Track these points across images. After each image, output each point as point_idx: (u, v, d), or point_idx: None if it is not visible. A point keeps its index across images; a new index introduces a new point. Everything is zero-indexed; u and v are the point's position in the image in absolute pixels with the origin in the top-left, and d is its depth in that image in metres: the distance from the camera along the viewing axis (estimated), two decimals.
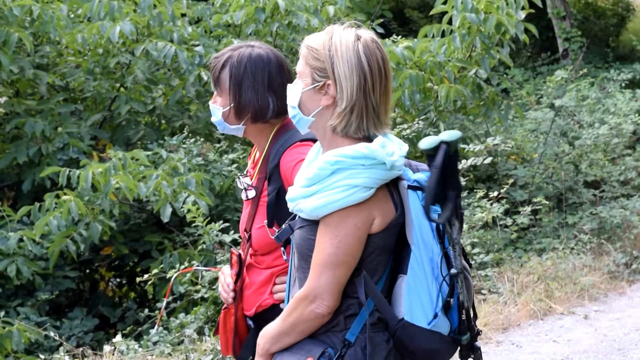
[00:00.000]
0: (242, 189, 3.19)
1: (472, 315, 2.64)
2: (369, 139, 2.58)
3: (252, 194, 3.14)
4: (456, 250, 2.58)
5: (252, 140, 3.24)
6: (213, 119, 3.24)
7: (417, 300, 2.52)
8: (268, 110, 3.11)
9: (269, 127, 3.15)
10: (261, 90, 3.12)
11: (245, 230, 3.18)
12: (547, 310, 7.11)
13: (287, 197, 2.63)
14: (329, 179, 2.49)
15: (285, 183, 3.01)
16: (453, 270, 2.56)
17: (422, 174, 2.61)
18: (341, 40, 2.53)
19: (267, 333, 2.67)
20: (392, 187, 2.56)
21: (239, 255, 3.19)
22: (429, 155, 2.57)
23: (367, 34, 2.57)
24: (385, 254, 2.57)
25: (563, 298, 7.30)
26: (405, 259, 2.55)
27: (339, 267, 2.50)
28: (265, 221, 3.04)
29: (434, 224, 2.55)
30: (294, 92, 2.63)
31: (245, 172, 3.29)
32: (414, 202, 2.55)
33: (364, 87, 2.52)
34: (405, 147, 2.60)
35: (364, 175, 2.47)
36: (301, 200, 2.54)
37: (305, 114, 2.61)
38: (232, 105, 3.15)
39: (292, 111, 2.65)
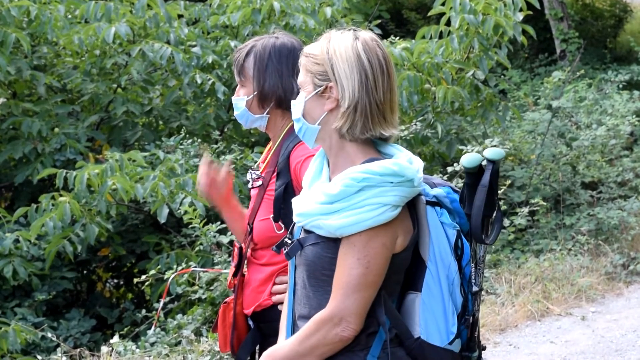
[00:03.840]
0: (249, 180, 3.18)
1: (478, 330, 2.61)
2: (377, 139, 2.52)
3: (258, 183, 3.13)
4: (480, 268, 2.54)
5: (271, 133, 3.21)
6: (236, 113, 3.20)
7: (432, 318, 2.46)
8: (292, 94, 3.05)
9: (290, 118, 3.10)
10: (286, 74, 3.11)
11: (248, 223, 3.16)
12: (545, 312, 7.11)
13: (297, 212, 2.51)
14: (356, 196, 2.39)
15: (294, 178, 3.01)
16: (475, 288, 2.53)
17: (440, 190, 2.55)
18: (339, 42, 2.48)
19: (277, 355, 2.51)
20: (409, 204, 2.48)
21: (240, 248, 3.18)
22: (469, 173, 2.52)
23: (366, 34, 2.52)
24: (402, 273, 2.50)
25: (560, 299, 7.30)
26: (417, 275, 2.49)
27: (368, 288, 2.41)
28: (272, 215, 3.03)
29: (452, 241, 2.50)
30: (297, 104, 2.55)
31: (257, 165, 3.27)
32: (432, 218, 2.50)
33: (366, 84, 2.45)
34: (420, 161, 2.51)
35: (392, 193, 2.39)
36: (320, 217, 2.43)
37: (310, 123, 2.52)
38: (256, 92, 3.13)
39: (297, 124, 2.55)
